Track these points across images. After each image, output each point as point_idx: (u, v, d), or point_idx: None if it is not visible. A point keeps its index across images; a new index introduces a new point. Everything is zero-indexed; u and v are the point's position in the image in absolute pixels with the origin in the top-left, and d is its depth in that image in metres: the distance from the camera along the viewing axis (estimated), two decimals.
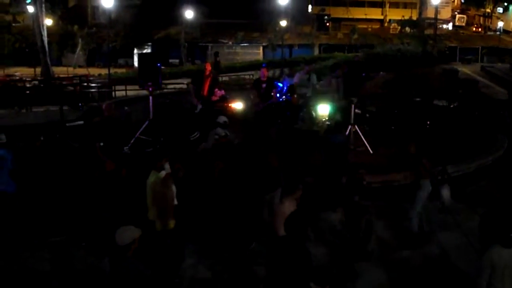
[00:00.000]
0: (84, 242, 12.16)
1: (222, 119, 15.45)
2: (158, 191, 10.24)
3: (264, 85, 19.95)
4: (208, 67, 20.67)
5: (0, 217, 12.88)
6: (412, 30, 72.45)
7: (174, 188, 10.39)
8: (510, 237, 8.39)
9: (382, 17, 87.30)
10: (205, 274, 11.13)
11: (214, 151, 13.55)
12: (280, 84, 21.46)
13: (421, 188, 12.96)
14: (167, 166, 10.48)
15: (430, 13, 71.02)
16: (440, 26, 74.90)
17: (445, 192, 13.71)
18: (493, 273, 8.48)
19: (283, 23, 56.97)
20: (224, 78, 43.47)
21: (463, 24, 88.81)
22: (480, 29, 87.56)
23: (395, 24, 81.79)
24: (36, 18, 43.65)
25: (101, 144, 16.62)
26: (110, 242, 7.61)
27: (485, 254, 8.51)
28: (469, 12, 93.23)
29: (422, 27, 69.02)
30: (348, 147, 16.10)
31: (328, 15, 79.57)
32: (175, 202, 10.57)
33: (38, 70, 47.63)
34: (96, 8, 71.98)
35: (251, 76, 46.95)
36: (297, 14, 67.48)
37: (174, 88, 37.95)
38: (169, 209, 10.19)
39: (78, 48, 62.40)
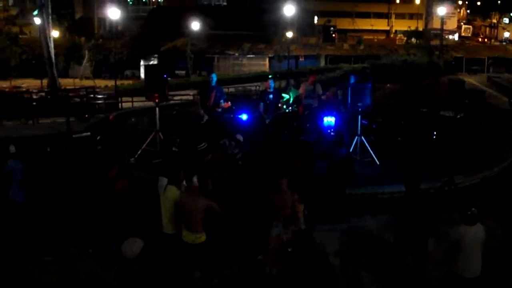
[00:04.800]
0: (91, 249, 12.18)
1: (238, 136, 15.41)
2: (190, 206, 10.23)
3: (271, 96, 19.98)
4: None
5: (10, 227, 12.98)
6: (418, 41, 72.48)
7: (205, 201, 10.28)
8: (469, 214, 8.48)
9: (388, 28, 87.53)
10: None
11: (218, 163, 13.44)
12: (286, 96, 21.49)
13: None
14: (194, 179, 10.45)
15: (436, 24, 71.07)
16: (446, 36, 74.95)
17: None
18: (457, 252, 8.58)
19: (289, 34, 56.95)
20: (230, 89, 43.58)
21: (469, 35, 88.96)
22: (486, 40, 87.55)
23: (401, 35, 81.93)
24: (43, 29, 43.85)
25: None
26: (118, 254, 7.60)
27: (449, 233, 8.62)
28: (475, 22, 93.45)
29: (428, 38, 69.02)
30: (351, 159, 16.07)
31: (334, 26, 79.74)
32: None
33: (45, 81, 47.82)
34: (102, 20, 72.35)
35: (258, 87, 46.99)
36: (303, 25, 67.62)
37: (181, 100, 37.96)
38: (198, 222, 10.16)
39: (85, 60, 62.61)
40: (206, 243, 10.25)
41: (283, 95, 21.52)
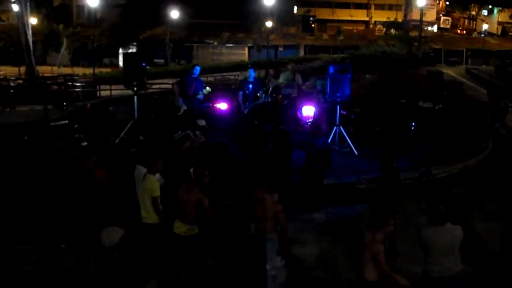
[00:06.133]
0: (64, 244, 12.08)
1: (199, 122, 15.26)
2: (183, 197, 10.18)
3: (250, 86, 19.89)
4: None
5: None
6: (397, 32, 72.76)
7: (198, 195, 10.18)
8: (436, 214, 8.51)
9: (367, 19, 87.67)
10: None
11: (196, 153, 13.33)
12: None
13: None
14: (190, 171, 10.44)
15: (415, 15, 71.25)
16: (425, 28, 75.21)
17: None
18: (427, 252, 8.60)
19: (269, 24, 57.01)
20: (209, 79, 43.47)
21: (448, 26, 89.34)
22: (464, 32, 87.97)
23: (380, 26, 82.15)
24: (21, 17, 43.40)
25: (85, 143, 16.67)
26: (97, 242, 7.56)
27: (420, 235, 8.65)
28: (454, 14, 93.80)
29: (407, 29, 69.33)
30: (329, 150, 16.09)
31: (314, 16, 79.77)
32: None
33: (23, 69, 47.35)
34: (81, 7, 71.83)
35: (237, 76, 46.93)
36: (282, 15, 67.56)
37: (159, 88, 37.81)
38: (191, 215, 10.12)
39: (63, 47, 62.12)
40: (197, 235, 10.24)
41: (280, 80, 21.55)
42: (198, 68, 20.19)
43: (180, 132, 17.52)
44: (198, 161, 11.82)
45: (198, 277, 10.39)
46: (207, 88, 19.79)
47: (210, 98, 20.68)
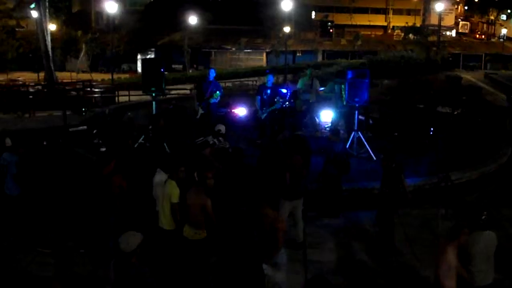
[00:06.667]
0: (83, 249, 12.10)
1: (219, 127, 15.24)
2: (195, 203, 10.13)
3: (268, 91, 19.85)
4: None
5: (5, 221, 12.95)
6: (415, 37, 72.45)
7: (203, 198, 10.13)
8: (483, 220, 8.39)
9: (385, 24, 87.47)
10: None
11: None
12: (284, 90, 21.40)
13: None
14: (195, 174, 10.44)
15: (434, 20, 71.00)
16: (444, 33, 74.92)
17: None
18: (470, 260, 8.46)
19: (287, 29, 56.91)
20: (227, 84, 43.54)
21: (467, 31, 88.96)
22: (483, 36, 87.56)
23: (399, 31, 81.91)
24: (40, 23, 43.69)
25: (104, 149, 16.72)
26: (115, 247, 7.57)
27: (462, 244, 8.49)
28: (473, 19, 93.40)
29: (426, 34, 69.01)
30: (347, 155, 16.03)
31: (332, 22, 79.65)
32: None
33: (42, 75, 47.69)
34: (99, 14, 72.23)
35: (255, 82, 46.96)
36: (300, 21, 67.53)
37: (178, 94, 37.91)
38: (198, 218, 10.09)
39: (82, 53, 62.50)
40: (205, 240, 10.19)
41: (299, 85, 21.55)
42: (212, 71, 20.21)
43: (202, 138, 17.53)
44: (214, 162, 11.78)
45: (203, 279, 10.37)
46: (217, 92, 19.79)
47: (228, 103, 20.68)
